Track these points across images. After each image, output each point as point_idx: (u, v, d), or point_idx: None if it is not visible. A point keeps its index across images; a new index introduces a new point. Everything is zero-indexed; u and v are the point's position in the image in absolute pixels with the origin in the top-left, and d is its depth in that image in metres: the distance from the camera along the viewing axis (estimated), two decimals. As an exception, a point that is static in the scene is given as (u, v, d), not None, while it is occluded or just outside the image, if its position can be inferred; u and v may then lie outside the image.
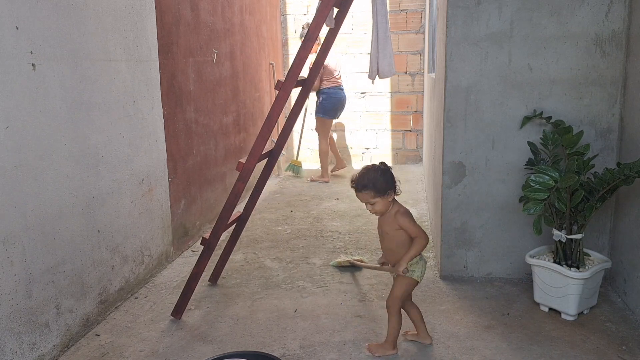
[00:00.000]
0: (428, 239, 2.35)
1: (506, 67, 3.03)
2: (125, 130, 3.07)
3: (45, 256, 2.42)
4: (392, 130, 6.89)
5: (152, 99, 3.37)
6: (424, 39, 6.55)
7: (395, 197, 2.39)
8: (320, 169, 6.37)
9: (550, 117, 2.98)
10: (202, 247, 2.91)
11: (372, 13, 3.44)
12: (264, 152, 3.03)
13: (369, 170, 2.35)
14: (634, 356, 2.42)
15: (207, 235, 2.91)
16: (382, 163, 2.40)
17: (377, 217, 2.47)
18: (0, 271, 2.15)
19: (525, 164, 3.06)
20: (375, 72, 3.56)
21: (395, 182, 2.35)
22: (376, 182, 2.30)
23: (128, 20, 3.08)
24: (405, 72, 6.78)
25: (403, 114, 6.83)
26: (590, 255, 2.89)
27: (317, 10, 2.86)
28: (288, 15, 6.89)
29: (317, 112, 6.07)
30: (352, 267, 3.50)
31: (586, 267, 2.77)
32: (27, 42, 2.29)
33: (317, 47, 5.76)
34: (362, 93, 6.86)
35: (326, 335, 2.66)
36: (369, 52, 3.71)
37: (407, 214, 2.37)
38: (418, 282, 2.42)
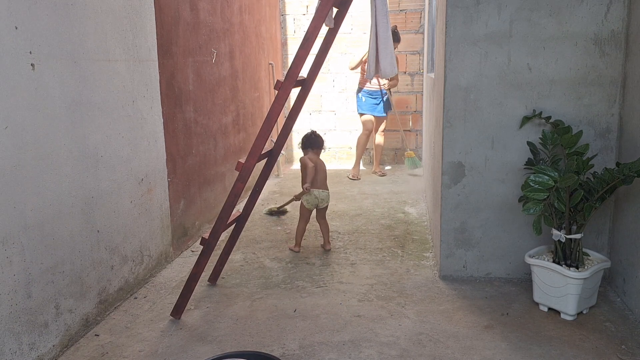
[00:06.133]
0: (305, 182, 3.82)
1: (505, 67, 3.03)
2: (125, 130, 3.07)
3: (44, 256, 2.42)
4: (392, 130, 6.89)
5: (151, 99, 3.37)
6: (423, 39, 6.55)
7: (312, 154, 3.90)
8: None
9: (549, 117, 2.99)
10: (202, 247, 2.92)
11: (371, 12, 3.44)
12: (263, 152, 3.03)
13: (305, 135, 4.00)
14: (633, 356, 2.42)
15: (206, 235, 2.91)
16: (313, 132, 4.02)
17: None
18: (0, 271, 2.15)
19: (525, 164, 3.06)
20: (373, 71, 3.56)
21: (311, 145, 3.92)
22: (303, 142, 3.99)
23: (127, 20, 3.08)
24: (405, 72, 6.78)
25: (402, 114, 6.83)
26: (589, 255, 2.89)
27: (316, 10, 2.87)
28: (287, 15, 6.89)
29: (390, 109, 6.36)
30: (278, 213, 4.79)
31: (585, 267, 2.77)
32: (27, 42, 2.29)
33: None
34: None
35: (326, 335, 2.66)
36: (367, 51, 3.76)
37: (301, 161, 3.90)
38: (307, 207, 3.87)
